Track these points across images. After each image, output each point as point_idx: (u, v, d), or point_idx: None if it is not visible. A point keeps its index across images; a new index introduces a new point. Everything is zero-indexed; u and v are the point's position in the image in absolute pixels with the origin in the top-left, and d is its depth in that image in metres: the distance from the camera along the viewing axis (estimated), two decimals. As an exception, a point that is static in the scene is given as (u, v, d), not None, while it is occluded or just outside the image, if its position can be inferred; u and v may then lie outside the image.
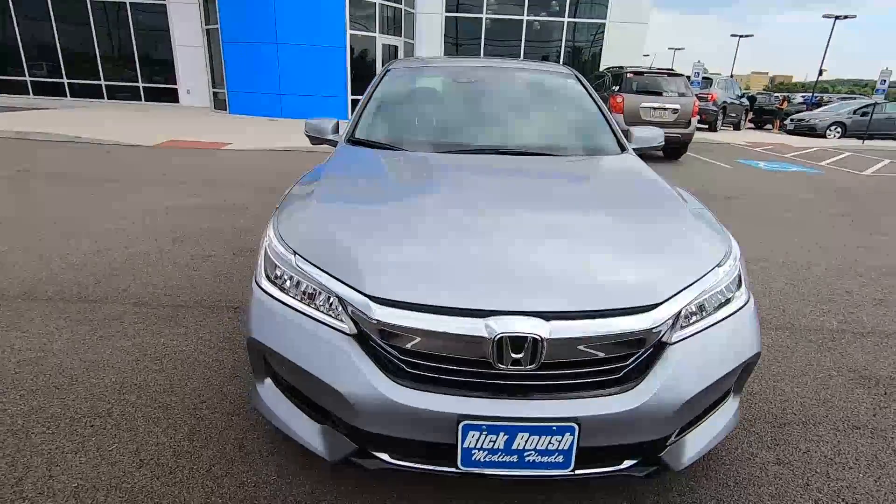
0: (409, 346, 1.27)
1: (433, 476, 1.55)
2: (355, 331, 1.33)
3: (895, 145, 14.24)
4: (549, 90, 2.86)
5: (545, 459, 1.24)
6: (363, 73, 13.33)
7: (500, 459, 1.24)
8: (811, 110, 18.79)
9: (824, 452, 1.79)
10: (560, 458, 1.24)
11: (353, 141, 2.45)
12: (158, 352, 2.30)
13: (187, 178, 5.98)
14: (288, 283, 1.45)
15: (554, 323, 1.23)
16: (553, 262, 1.39)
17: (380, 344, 1.30)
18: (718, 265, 1.48)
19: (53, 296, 2.81)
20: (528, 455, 1.23)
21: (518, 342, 1.21)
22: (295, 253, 1.47)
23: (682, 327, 1.34)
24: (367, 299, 1.29)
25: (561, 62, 15.10)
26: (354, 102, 13.48)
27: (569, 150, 2.39)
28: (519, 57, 15.12)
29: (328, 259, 1.42)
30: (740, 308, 1.47)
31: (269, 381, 1.55)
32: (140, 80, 15.49)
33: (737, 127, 17.23)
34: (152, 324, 2.55)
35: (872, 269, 3.75)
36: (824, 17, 27.40)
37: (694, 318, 1.37)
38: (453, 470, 1.27)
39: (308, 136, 2.76)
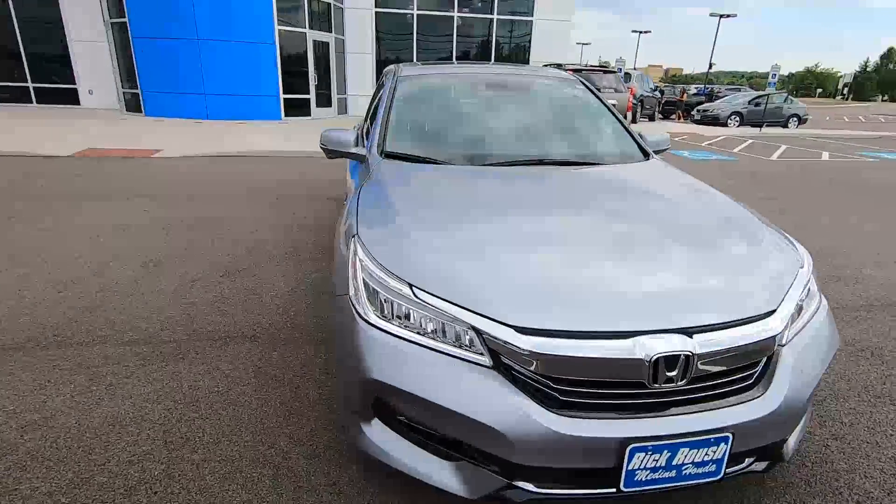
0: (558, 373, 1.25)
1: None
2: (491, 362, 1.28)
3: (784, 132, 16.08)
4: (566, 98, 2.91)
5: (700, 470, 1.27)
6: (296, 70, 12.73)
7: (659, 476, 1.26)
8: (708, 101, 20.68)
9: (865, 424, 2.00)
10: (713, 468, 1.28)
11: (388, 155, 2.33)
12: (188, 395, 2.07)
13: (128, 192, 5.40)
14: (406, 316, 1.37)
15: (698, 337, 1.27)
16: (673, 276, 1.43)
17: (527, 374, 1.26)
18: (801, 266, 1.60)
19: (25, 343, 2.43)
20: (686, 468, 1.26)
21: (671, 360, 1.24)
22: (411, 285, 1.38)
23: (787, 328, 1.43)
24: (510, 330, 1.25)
25: (492, 59, 15.38)
26: (288, 102, 12.88)
27: (606, 158, 2.46)
28: (490, 59, 15.18)
29: (452, 289, 1.35)
30: (820, 305, 1.60)
31: (377, 420, 1.46)
32: (29, 79, 13.68)
33: (651, 118, 18.53)
34: (163, 364, 2.29)
35: (813, 250, 4.23)
36: (711, 14, 30.40)
37: (794, 320, 1.47)
38: (612, 491, 1.27)
39: (325, 150, 2.58)
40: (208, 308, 2.87)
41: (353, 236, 1.64)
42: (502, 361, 1.28)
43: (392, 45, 14.87)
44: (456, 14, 14.74)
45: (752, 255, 1.59)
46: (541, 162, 2.31)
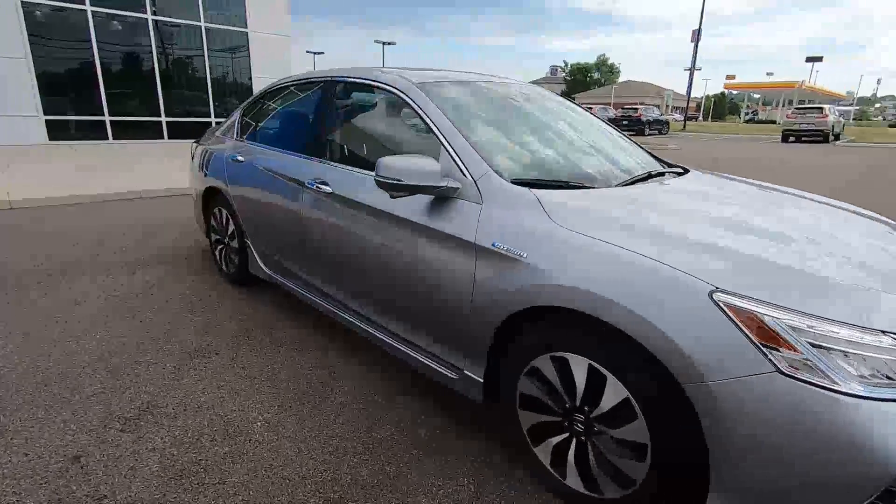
0: None
1: None
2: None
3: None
4: (576, 109, 2.85)
5: None
6: None
7: None
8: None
9: None
10: None
11: (518, 182, 1.81)
12: None
13: None
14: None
15: None
16: None
17: None
18: None
19: None
20: None
21: None
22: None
23: None
24: None
25: (207, 71, 13.35)
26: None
27: (664, 170, 2.49)
28: (206, 74, 12.39)
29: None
30: None
31: None
32: None
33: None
34: None
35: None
36: (376, 41, 34.58)
37: None
38: None
39: (392, 184, 1.81)
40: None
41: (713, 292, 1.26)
42: None
43: (60, 53, 11.11)
44: (150, 17, 12.10)
45: None
46: (648, 177, 2.24)
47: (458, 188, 1.85)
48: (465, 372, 1.88)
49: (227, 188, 3.17)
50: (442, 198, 1.89)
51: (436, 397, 2.25)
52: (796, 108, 23.88)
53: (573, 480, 1.61)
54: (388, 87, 2.27)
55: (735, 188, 2.29)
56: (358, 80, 2.47)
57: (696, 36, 30.39)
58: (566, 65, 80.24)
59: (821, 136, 21.31)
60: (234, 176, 3.12)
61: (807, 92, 55.97)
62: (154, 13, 12.17)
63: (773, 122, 45.50)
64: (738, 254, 1.38)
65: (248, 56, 14.02)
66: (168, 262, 3.95)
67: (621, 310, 1.35)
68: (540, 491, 1.72)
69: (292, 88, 3.00)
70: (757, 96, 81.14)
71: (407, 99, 2.16)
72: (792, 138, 22.07)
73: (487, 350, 1.77)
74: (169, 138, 12.98)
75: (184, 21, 12.74)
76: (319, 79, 2.68)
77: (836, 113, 23.18)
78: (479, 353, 1.81)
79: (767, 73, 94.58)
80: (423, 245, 1.92)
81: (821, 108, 21.82)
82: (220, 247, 3.55)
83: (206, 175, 3.48)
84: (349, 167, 2.33)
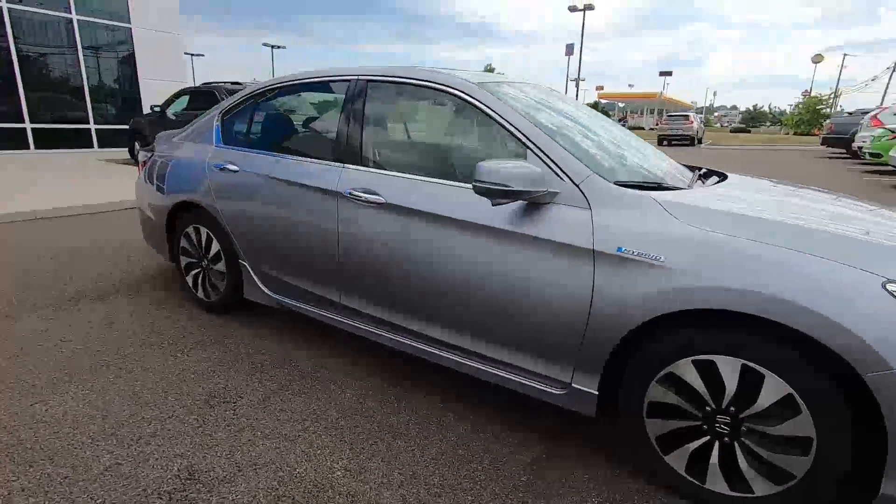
0: None
1: None
2: None
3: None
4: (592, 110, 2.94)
5: None
6: None
7: None
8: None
9: None
10: None
11: (622, 185, 1.79)
12: None
13: None
14: None
15: None
16: None
17: None
18: None
19: None
20: None
21: None
22: None
23: None
24: None
25: (83, 70, 11.64)
26: None
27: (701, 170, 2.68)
28: (81, 70, 10.42)
29: None
30: None
31: None
32: None
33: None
34: None
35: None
36: (264, 45, 32.73)
37: None
38: None
39: (497, 189, 1.71)
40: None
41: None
42: None
43: None
44: (4, 4, 10.21)
45: None
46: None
47: (557, 193, 1.76)
48: (574, 385, 1.79)
49: (213, 202, 2.73)
50: (535, 204, 1.78)
51: (519, 417, 2.11)
52: (668, 116, 26.97)
53: (716, 483, 1.59)
54: (445, 88, 2.10)
55: (784, 187, 2.37)
56: (406, 80, 2.23)
57: (572, 50, 33.06)
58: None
59: (688, 140, 24.30)
60: (223, 188, 2.69)
61: (665, 102, 63.52)
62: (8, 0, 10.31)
63: (641, 128, 50.98)
64: (880, 245, 1.46)
65: (133, 55, 12.46)
66: (114, 294, 3.31)
67: (793, 307, 1.36)
68: (673, 498, 1.68)
69: (301, 88, 2.65)
70: (622, 105, 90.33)
71: (471, 100, 2.02)
72: (665, 142, 24.89)
73: (605, 361, 1.70)
74: (36, 148, 11.06)
75: (48, 11, 10.96)
76: (344, 78, 2.40)
77: (699, 120, 26.63)
78: (594, 365, 1.72)
79: (629, 85, 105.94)
80: (517, 255, 1.79)
81: (687, 116, 24.89)
82: (194, 271, 3.04)
83: (169, 190, 2.97)
84: (408, 175, 2.11)
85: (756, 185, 2.28)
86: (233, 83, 9.22)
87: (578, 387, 1.78)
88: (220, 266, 2.86)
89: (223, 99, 8.44)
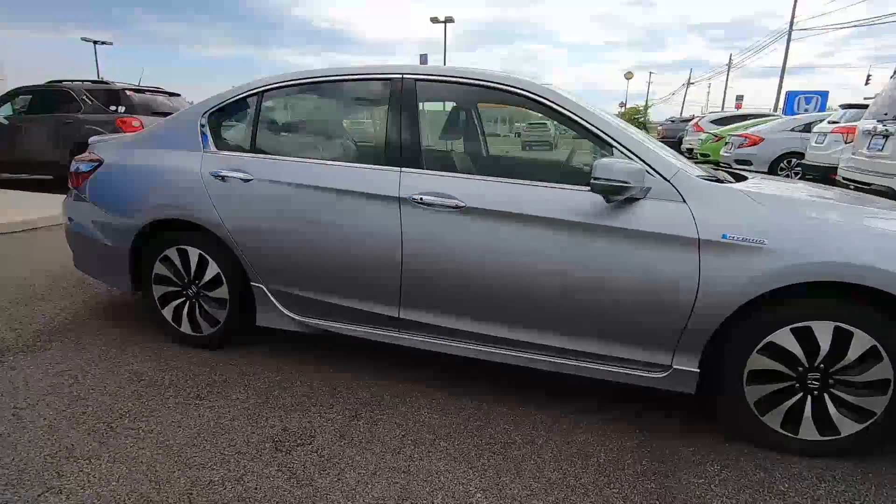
0: None
1: None
2: None
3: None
4: None
5: None
6: None
7: None
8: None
9: None
10: None
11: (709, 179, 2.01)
12: None
13: None
14: None
15: None
16: None
17: None
18: None
19: None
20: None
21: None
22: None
23: None
24: None
25: None
26: None
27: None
28: None
29: None
30: None
31: None
32: None
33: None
34: None
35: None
36: (83, 39, 28.05)
37: None
38: None
39: (615, 186, 1.80)
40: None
41: None
42: None
43: None
44: None
45: None
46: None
47: (649, 188, 1.87)
48: (676, 367, 1.92)
49: (216, 218, 2.32)
50: (628, 200, 1.87)
51: (596, 410, 2.18)
52: (529, 124, 29.40)
53: (808, 433, 1.85)
54: (509, 88, 2.08)
55: (792, 183, 2.75)
56: (463, 81, 2.15)
57: (426, 60, 34.29)
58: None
59: (548, 146, 26.84)
60: (229, 200, 2.31)
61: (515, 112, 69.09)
62: None
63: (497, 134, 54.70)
64: None
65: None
66: (63, 337, 2.61)
67: (880, 272, 1.65)
68: (772, 454, 1.90)
69: (325, 86, 2.36)
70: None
71: (543, 101, 2.04)
72: (528, 147, 27.16)
73: (707, 340, 1.86)
74: None
75: None
76: (385, 76, 2.22)
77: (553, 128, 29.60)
78: (696, 345, 1.88)
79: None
80: (616, 249, 1.87)
81: (544, 124, 27.47)
82: (175, 302, 2.54)
83: (139, 206, 2.46)
84: (484, 177, 2.05)
85: (775, 181, 2.65)
86: (94, 81, 7.80)
87: (680, 367, 1.92)
88: (220, 292, 2.44)
89: (85, 100, 7.12)
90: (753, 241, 1.76)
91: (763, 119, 13.05)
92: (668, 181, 1.88)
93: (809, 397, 1.83)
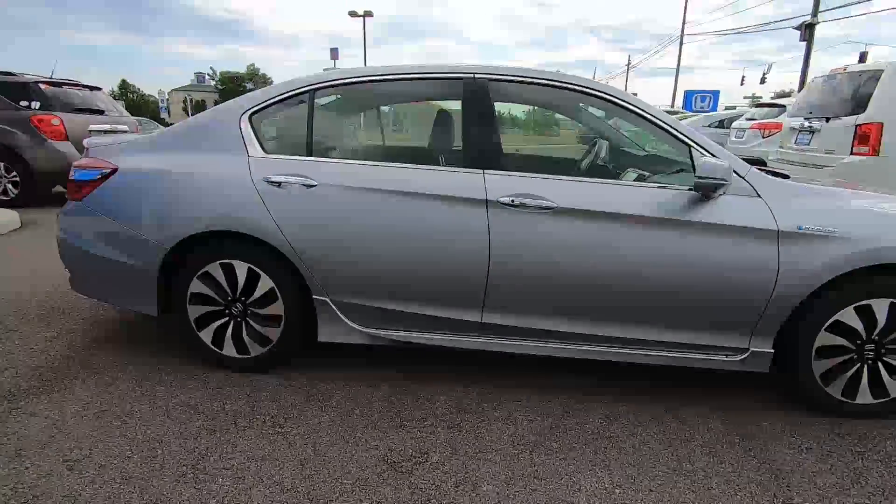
0: None
1: None
2: None
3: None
4: None
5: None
6: None
7: None
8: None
9: None
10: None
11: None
12: None
13: None
14: None
15: None
16: None
17: None
18: None
19: None
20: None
21: None
22: None
23: None
24: None
25: None
26: None
27: None
28: None
29: None
30: None
31: None
32: None
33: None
34: None
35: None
36: None
37: None
38: None
39: (717, 184, 1.92)
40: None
41: None
42: None
43: None
44: None
45: None
46: None
47: (728, 185, 2.01)
48: (753, 349, 2.08)
49: (273, 227, 2.12)
50: (706, 196, 2.00)
51: (669, 395, 2.30)
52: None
53: (865, 397, 2.09)
54: (583, 90, 2.12)
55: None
56: (537, 81, 2.15)
57: (337, 54, 33.31)
58: (215, 73, 75.00)
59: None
60: (290, 208, 2.11)
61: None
62: None
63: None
64: None
65: None
66: (70, 368, 2.23)
67: None
68: (837, 418, 2.12)
69: (385, 86, 2.22)
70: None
71: (621, 103, 2.12)
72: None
73: (781, 323, 2.04)
74: None
75: None
76: (454, 76, 2.14)
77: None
78: (771, 328, 2.05)
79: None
80: (702, 242, 1.99)
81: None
82: (217, 322, 2.29)
83: (172, 218, 2.18)
84: (573, 178, 2.07)
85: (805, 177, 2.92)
86: (47, 78, 6.71)
87: (757, 349, 2.08)
88: (273, 308, 2.24)
89: (41, 96, 6.13)
90: (825, 230, 1.95)
91: (677, 117, 14.31)
92: (744, 178, 2.03)
93: (866, 367, 2.07)
